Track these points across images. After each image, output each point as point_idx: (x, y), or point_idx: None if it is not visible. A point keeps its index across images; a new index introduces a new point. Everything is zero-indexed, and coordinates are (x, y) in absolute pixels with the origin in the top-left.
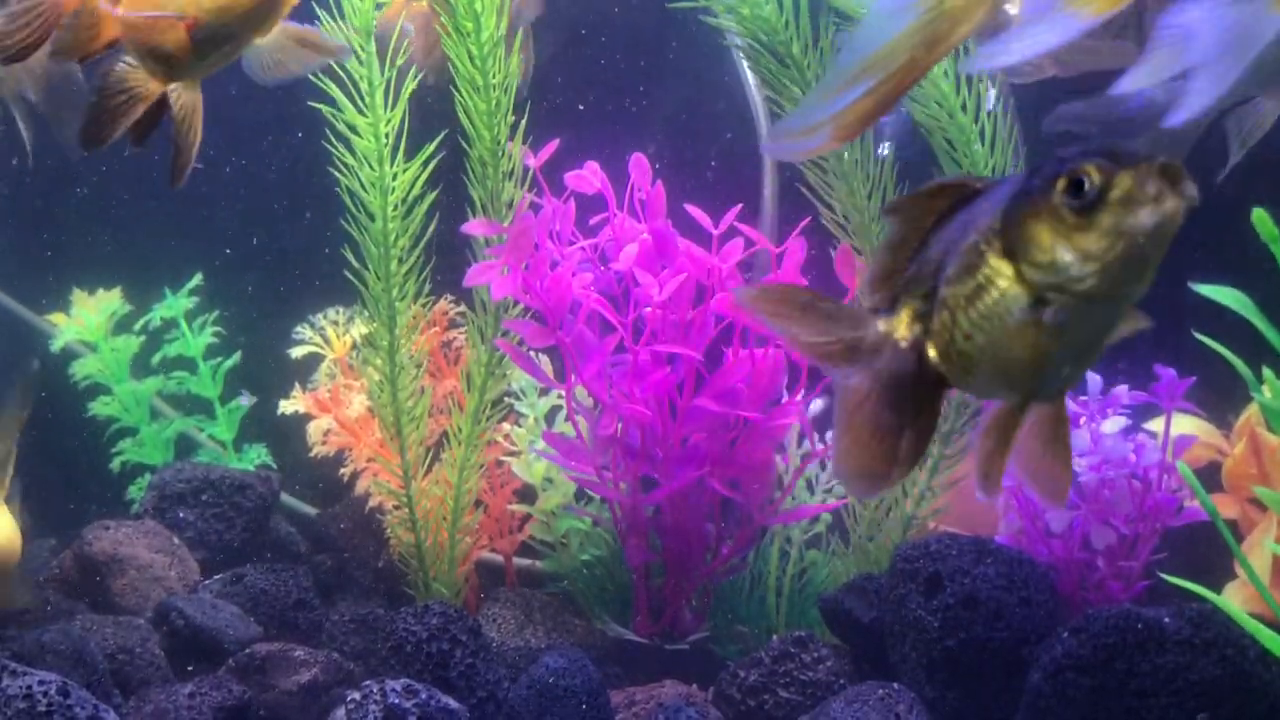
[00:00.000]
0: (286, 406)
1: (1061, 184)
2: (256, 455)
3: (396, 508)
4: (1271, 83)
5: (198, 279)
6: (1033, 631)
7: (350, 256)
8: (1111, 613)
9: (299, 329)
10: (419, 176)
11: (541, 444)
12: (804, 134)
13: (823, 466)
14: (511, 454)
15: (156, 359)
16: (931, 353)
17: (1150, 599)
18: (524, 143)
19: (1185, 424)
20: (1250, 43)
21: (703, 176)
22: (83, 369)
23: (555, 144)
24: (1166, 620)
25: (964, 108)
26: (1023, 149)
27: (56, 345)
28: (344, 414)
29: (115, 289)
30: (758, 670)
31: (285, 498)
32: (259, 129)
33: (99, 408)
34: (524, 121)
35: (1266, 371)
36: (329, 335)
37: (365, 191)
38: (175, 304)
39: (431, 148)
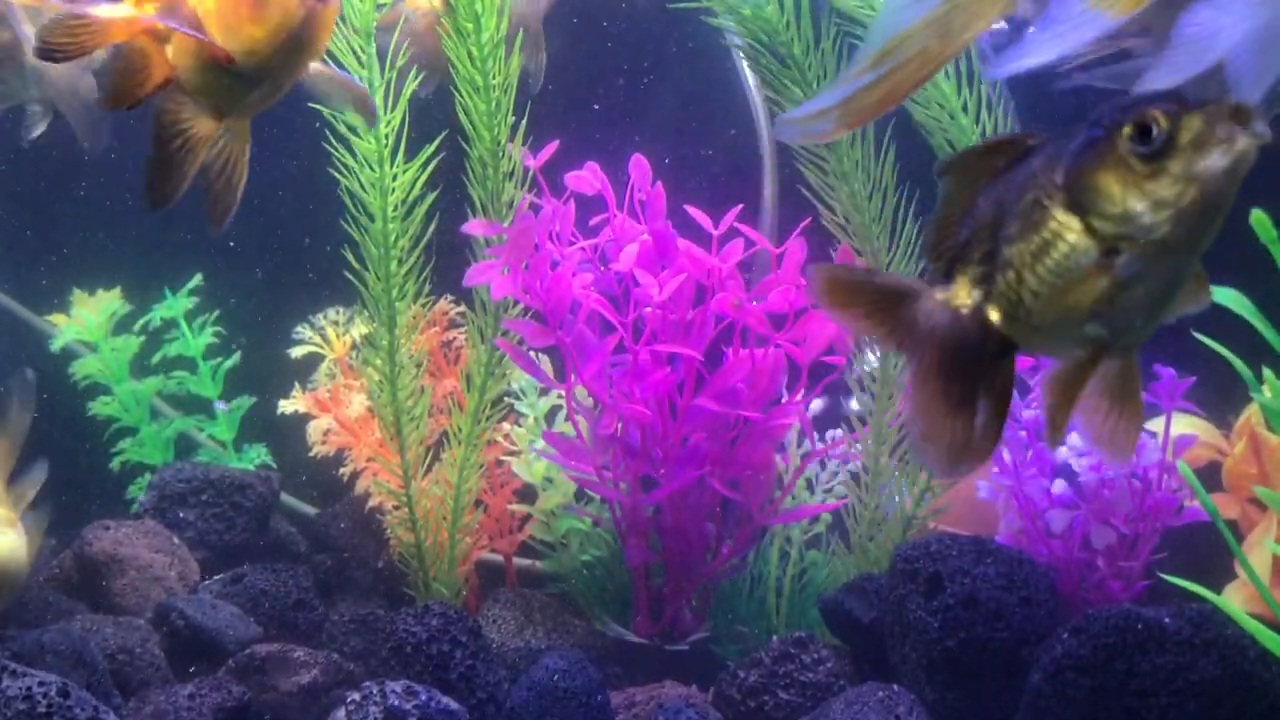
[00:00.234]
0: (286, 406)
1: (1128, 130)
2: (256, 455)
3: (396, 508)
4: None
5: (198, 279)
6: (1033, 632)
7: (350, 257)
8: (1111, 613)
9: (299, 329)
10: (419, 177)
11: (541, 444)
12: (814, 118)
13: (822, 466)
14: (511, 454)
15: (156, 359)
16: (994, 316)
17: (1150, 599)
18: (524, 143)
19: (1185, 424)
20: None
21: (703, 177)
22: (83, 369)
23: (555, 145)
24: (1166, 620)
25: (965, 108)
26: None
27: (56, 345)
28: (344, 414)
29: (115, 289)
30: (758, 671)
31: (285, 498)
32: (259, 129)
33: (99, 408)
34: (524, 122)
35: (1266, 371)
36: (329, 335)
37: (365, 192)
38: (175, 304)
39: (431, 148)
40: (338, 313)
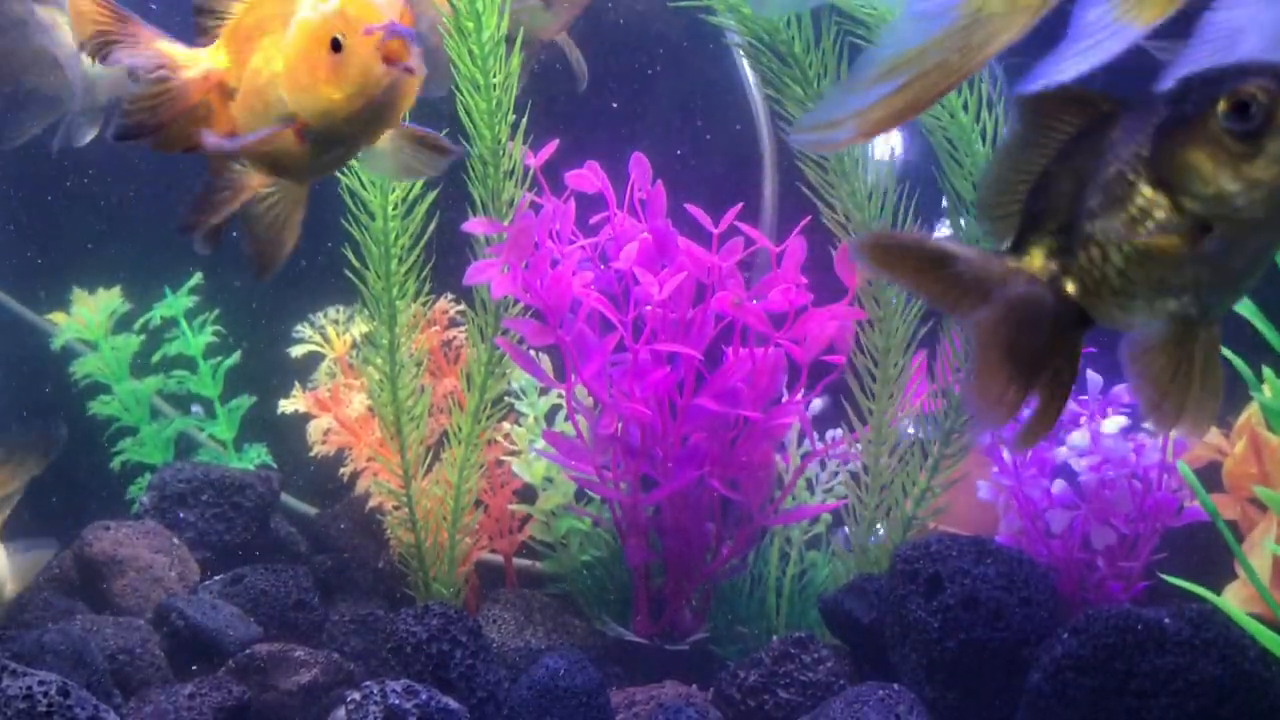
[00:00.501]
0: (286, 406)
1: (1222, 107)
2: (256, 455)
3: (396, 508)
4: None
5: (198, 278)
6: (1033, 632)
7: (350, 255)
8: (1111, 613)
9: (299, 328)
10: None
11: (541, 443)
12: (829, 127)
13: (822, 466)
14: (511, 453)
15: (156, 358)
16: (1071, 288)
17: (1150, 599)
18: (524, 142)
19: None
20: None
21: (703, 176)
22: (83, 368)
23: (555, 143)
24: (1166, 620)
25: (965, 107)
26: None
27: (56, 344)
28: (344, 413)
29: (115, 288)
30: (758, 671)
31: (285, 498)
32: None
33: (99, 407)
34: (524, 121)
35: (1267, 371)
36: (329, 334)
37: (365, 190)
38: (175, 303)
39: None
40: (338, 311)
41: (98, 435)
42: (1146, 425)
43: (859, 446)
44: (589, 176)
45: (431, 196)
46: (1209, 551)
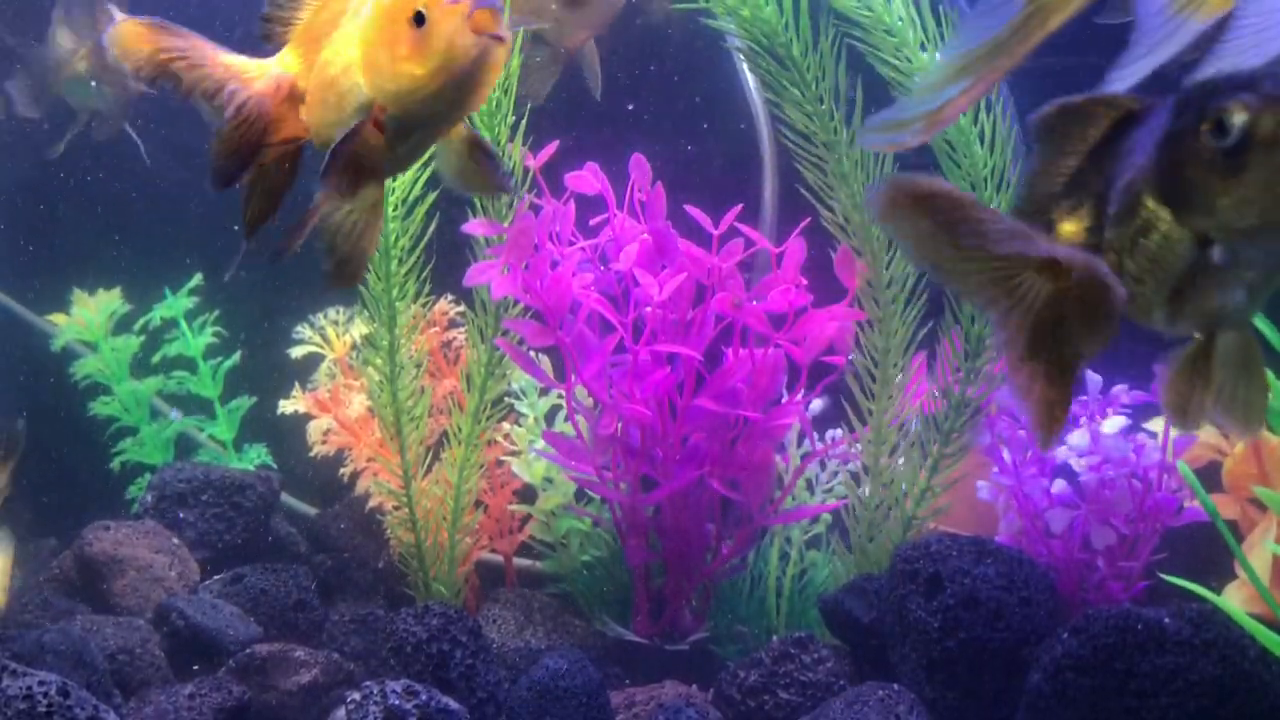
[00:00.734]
0: (286, 406)
1: (1205, 125)
2: (256, 455)
3: (396, 508)
4: None
5: (198, 279)
6: (1033, 632)
7: None
8: (1111, 613)
9: (299, 329)
10: (419, 176)
11: (541, 444)
12: (898, 128)
13: (822, 466)
14: (511, 454)
15: (156, 359)
16: None
17: (1150, 599)
18: (524, 144)
19: None
20: None
21: (703, 177)
22: (83, 369)
23: (555, 145)
24: (1166, 620)
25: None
26: (1022, 149)
27: (56, 345)
28: (344, 414)
29: (115, 289)
30: (758, 671)
31: (285, 498)
32: None
33: (99, 407)
34: (524, 122)
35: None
36: (329, 335)
37: None
38: (175, 304)
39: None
40: (338, 312)
41: (98, 435)
42: (1175, 429)
43: (859, 447)
44: (588, 178)
45: (431, 197)
46: (1209, 551)
